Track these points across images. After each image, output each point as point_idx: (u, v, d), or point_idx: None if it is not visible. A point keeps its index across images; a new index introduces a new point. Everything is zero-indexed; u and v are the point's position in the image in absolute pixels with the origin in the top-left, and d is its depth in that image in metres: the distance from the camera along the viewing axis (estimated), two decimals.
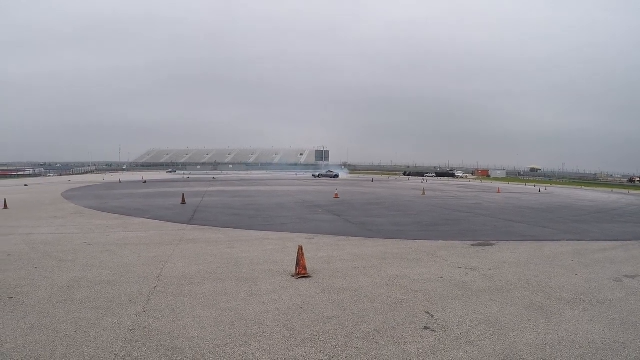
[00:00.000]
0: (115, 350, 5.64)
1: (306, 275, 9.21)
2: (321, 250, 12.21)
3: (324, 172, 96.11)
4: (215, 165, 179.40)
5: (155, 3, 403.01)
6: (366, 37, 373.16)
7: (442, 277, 9.43)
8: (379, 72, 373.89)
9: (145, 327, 6.40)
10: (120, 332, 6.25)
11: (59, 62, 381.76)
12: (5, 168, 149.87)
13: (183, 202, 27.28)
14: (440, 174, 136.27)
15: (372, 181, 75.67)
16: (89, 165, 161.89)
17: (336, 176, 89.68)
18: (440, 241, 14.28)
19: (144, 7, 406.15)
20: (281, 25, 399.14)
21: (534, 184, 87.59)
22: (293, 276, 9.23)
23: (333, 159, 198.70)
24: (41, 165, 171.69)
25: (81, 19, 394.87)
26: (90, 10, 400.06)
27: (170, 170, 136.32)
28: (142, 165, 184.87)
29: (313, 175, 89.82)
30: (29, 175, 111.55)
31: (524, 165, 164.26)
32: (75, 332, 6.33)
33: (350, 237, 14.64)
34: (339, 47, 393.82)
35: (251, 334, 6.10)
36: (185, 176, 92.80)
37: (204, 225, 17.58)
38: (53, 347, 5.80)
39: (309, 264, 9.77)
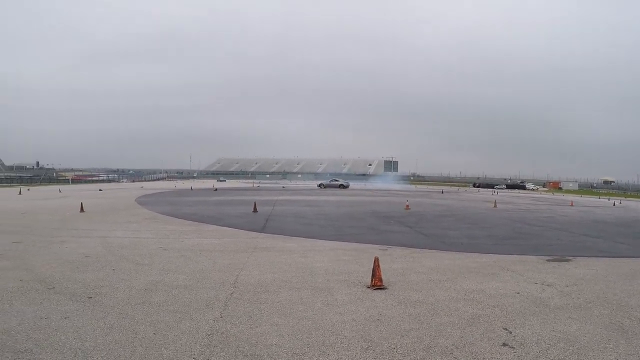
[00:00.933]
0: (194, 354, 5.74)
1: (382, 287, 9.16)
2: (395, 262, 12.13)
3: (327, 181, 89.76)
4: (284, 175, 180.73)
5: (218, 19, 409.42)
6: (429, 45, 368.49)
7: (518, 293, 9.24)
8: (442, 80, 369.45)
9: (223, 333, 6.50)
10: (198, 336, 6.36)
11: (131, 75, 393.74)
12: (80, 173, 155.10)
13: (255, 210, 27.54)
14: (511, 186, 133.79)
15: (442, 192, 75.00)
16: (161, 173, 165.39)
17: (343, 186, 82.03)
18: (514, 255, 14.01)
19: (207, 23, 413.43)
20: (342, 34, 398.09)
21: (607, 197, 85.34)
22: (368, 287, 9.21)
23: (401, 169, 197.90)
24: (114, 171, 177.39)
25: (151, 36, 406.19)
26: (159, 28, 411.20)
27: (221, 179, 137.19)
28: (212, 174, 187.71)
29: (318, 186, 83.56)
30: (103, 181, 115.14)
31: (597, 177, 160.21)
32: (154, 334, 6.47)
33: (424, 250, 14.50)
34: (402, 55, 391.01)
35: (329, 344, 6.12)
36: (255, 185, 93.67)
37: (277, 234, 17.76)
38: (132, 348, 5.95)
39: (383, 276, 9.70)
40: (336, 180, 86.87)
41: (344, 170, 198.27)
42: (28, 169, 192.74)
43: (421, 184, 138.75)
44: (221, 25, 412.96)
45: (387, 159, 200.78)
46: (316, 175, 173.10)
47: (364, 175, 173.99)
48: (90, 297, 8.54)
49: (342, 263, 11.96)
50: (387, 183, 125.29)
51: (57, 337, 6.44)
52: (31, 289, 9.29)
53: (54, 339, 6.36)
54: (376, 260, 9.42)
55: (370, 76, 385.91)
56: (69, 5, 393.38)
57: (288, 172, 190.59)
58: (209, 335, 6.39)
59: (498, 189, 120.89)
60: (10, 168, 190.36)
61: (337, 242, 15.91)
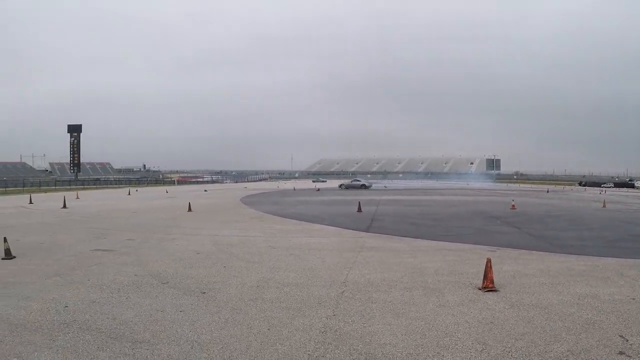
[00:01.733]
0: (309, 351, 5.86)
1: (493, 289, 9.04)
2: (505, 263, 11.88)
3: (348, 181, 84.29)
4: (385, 174, 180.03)
5: (313, 20, 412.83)
6: (530, 37, 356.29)
7: (634, 299, 8.91)
8: (545, 74, 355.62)
9: (336, 330, 6.61)
10: (312, 333, 6.48)
11: (231, 79, 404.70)
12: (185, 175, 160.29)
13: (359, 210, 27.60)
14: (618, 184, 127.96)
15: (547, 192, 72.88)
16: (262, 173, 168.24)
17: (365, 186, 76.95)
18: (629, 259, 13.50)
19: (303, 26, 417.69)
20: (440, 29, 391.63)
21: None
22: (480, 289, 9.08)
23: (504, 167, 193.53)
24: (217, 173, 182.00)
25: (249, 40, 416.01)
26: (255, 32, 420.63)
27: (321, 179, 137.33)
28: (313, 174, 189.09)
29: (339, 186, 79.89)
30: (207, 182, 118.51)
31: None
32: (268, 329, 6.64)
33: (532, 251, 14.11)
34: (503, 48, 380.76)
35: (443, 345, 6.11)
36: None
37: (383, 234, 17.78)
38: (248, 343, 6.13)
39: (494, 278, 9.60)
40: (358, 181, 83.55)
41: (445, 169, 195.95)
42: (135, 171, 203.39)
43: (524, 182, 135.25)
44: (317, 27, 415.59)
45: (490, 158, 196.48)
46: (417, 175, 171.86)
47: (466, 174, 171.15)
48: (204, 293, 8.85)
49: (450, 263, 11.83)
50: (482, 182, 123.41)
51: (174, 330, 6.72)
52: (146, 283, 9.75)
53: (170, 331, 6.65)
54: (488, 262, 9.27)
55: (469, 72, 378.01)
56: (168, 15, 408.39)
57: (389, 172, 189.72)
58: (322, 333, 6.51)
59: (605, 187, 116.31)
60: (119, 171, 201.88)
61: (444, 242, 15.75)
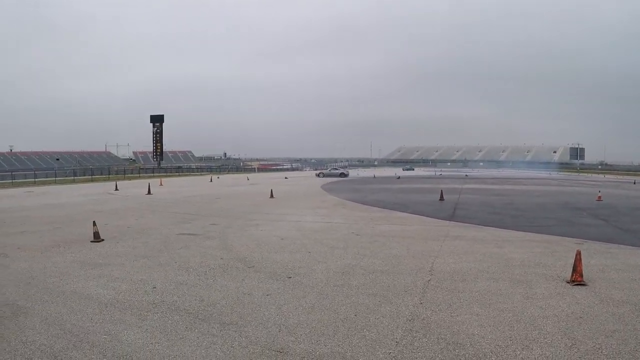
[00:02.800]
0: (397, 338, 5.88)
1: (582, 282, 8.81)
2: (592, 257, 11.51)
3: (327, 170, 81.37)
4: (465, 163, 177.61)
5: (389, 9, 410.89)
6: (616, 17, 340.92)
7: None
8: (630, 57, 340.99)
9: (423, 319, 6.63)
10: (399, 320, 6.51)
11: (309, 67, 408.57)
12: (265, 162, 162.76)
13: (441, 198, 27.32)
14: None
15: (634, 183, 70.32)
16: (342, 161, 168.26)
17: (343, 175, 72.94)
18: None
19: (380, 12, 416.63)
20: (521, 10, 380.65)
21: None
22: (567, 282, 8.86)
23: (588, 156, 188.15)
24: (297, 160, 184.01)
25: (324, 30, 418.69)
26: (332, 21, 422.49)
27: (407, 167, 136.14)
28: (393, 162, 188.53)
29: (317, 175, 75.92)
30: (287, 169, 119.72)
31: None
32: (355, 315, 6.70)
33: (621, 245, 13.67)
34: (586, 30, 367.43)
35: (532, 338, 6.03)
36: (438, 173, 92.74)
37: (466, 223, 17.62)
38: (335, 327, 6.21)
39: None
40: (336, 169, 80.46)
41: (527, 158, 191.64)
42: (216, 159, 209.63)
43: (610, 173, 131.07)
44: (392, 14, 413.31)
45: (573, 146, 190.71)
46: (498, 164, 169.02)
47: (548, 163, 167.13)
48: (290, 277, 8.98)
49: (537, 255, 11.57)
50: (562, 171, 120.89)
51: (261, 313, 6.86)
52: (232, 266, 10.01)
53: (257, 314, 6.79)
54: (578, 254, 9.02)
55: (551, 56, 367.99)
56: (248, 6, 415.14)
57: (469, 160, 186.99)
58: (409, 321, 6.52)
59: None
60: (200, 159, 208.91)
61: (530, 233, 15.38)
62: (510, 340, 5.91)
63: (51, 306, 7.35)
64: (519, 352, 5.56)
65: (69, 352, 5.59)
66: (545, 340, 5.95)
